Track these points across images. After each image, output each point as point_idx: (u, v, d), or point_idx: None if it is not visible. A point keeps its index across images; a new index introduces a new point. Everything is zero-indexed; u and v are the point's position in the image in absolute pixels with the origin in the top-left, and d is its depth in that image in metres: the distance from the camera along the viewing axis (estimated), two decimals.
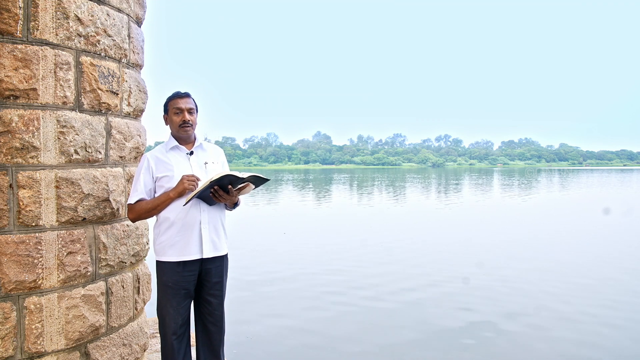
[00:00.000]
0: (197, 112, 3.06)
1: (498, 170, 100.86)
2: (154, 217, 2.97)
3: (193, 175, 2.84)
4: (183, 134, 2.97)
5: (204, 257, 2.88)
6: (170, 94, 3.05)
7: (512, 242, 12.38)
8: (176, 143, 2.98)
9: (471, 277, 8.59)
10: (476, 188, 37.77)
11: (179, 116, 2.95)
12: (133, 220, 2.94)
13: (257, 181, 2.86)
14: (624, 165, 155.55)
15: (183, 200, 2.82)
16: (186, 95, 3.00)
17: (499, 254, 10.81)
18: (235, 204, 2.98)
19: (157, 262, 2.93)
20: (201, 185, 2.76)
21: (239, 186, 2.84)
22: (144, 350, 3.51)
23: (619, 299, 7.30)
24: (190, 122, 2.96)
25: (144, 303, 3.53)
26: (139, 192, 2.86)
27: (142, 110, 3.51)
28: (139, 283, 3.41)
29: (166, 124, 3.05)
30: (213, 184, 2.72)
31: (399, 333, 5.89)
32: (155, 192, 2.91)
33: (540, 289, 7.85)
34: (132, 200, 2.87)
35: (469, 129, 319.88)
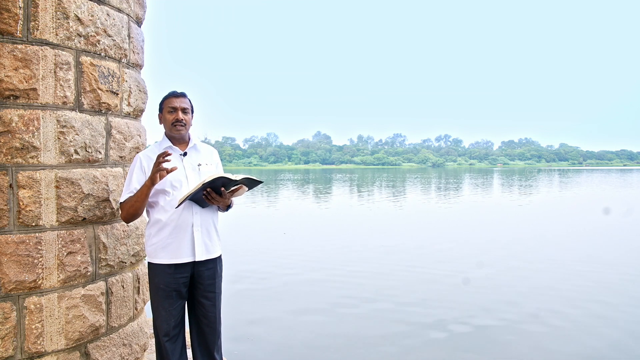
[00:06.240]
0: (192, 113, 3.03)
1: (498, 170, 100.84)
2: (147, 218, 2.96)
3: (166, 151, 2.70)
4: (176, 133, 2.93)
5: (197, 259, 2.86)
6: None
7: (513, 242, 12.38)
8: (170, 143, 2.95)
9: (471, 277, 8.59)
10: (476, 188, 37.77)
11: (173, 114, 2.92)
12: (124, 219, 2.90)
13: (250, 183, 2.83)
14: (624, 165, 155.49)
15: (175, 202, 2.80)
16: (182, 95, 2.98)
17: (499, 254, 10.81)
18: (228, 206, 2.94)
19: (149, 263, 2.91)
20: (194, 187, 2.73)
21: (232, 188, 2.81)
22: (144, 350, 3.51)
23: (620, 298, 7.30)
24: (184, 121, 2.92)
25: (144, 303, 3.52)
26: (130, 190, 2.84)
27: (142, 110, 3.50)
28: (139, 283, 3.41)
29: (160, 122, 3.02)
30: (205, 186, 2.69)
31: (400, 333, 5.88)
32: None
33: (540, 288, 7.85)
34: (122, 199, 2.85)
35: (469, 129, 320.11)
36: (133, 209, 2.82)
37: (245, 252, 10.76)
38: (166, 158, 2.68)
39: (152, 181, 2.74)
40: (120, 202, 2.87)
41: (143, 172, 2.87)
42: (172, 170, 2.73)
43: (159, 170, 2.70)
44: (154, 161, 2.85)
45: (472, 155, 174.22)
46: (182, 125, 2.93)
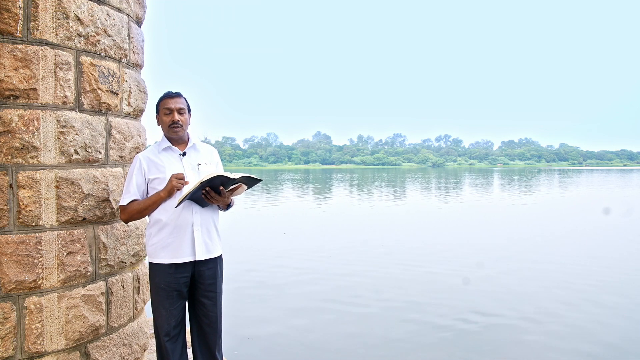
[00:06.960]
0: (189, 112, 3.03)
1: (498, 170, 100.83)
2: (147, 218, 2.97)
3: (181, 174, 2.82)
4: (173, 134, 2.94)
5: (197, 259, 2.86)
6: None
7: (512, 242, 12.37)
8: (169, 144, 2.96)
9: (471, 277, 8.58)
10: (476, 188, 37.77)
11: (169, 116, 2.92)
12: (125, 221, 2.93)
13: (250, 182, 2.82)
14: (624, 165, 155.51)
15: (175, 201, 2.79)
16: (177, 95, 2.97)
17: (499, 254, 10.81)
18: (228, 205, 2.94)
19: (150, 263, 2.92)
20: (192, 186, 2.72)
21: (231, 187, 2.80)
22: (144, 350, 3.51)
23: (620, 298, 7.30)
24: (180, 122, 2.93)
25: (144, 303, 3.52)
26: (131, 193, 2.85)
27: (142, 110, 3.51)
28: (139, 283, 3.41)
29: (158, 124, 3.03)
30: (204, 185, 2.68)
31: (400, 334, 5.88)
32: (147, 193, 2.89)
33: (540, 289, 7.85)
34: (124, 201, 2.86)
35: (469, 129, 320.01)
36: (139, 215, 2.86)
37: (246, 252, 10.76)
38: (180, 182, 2.80)
39: (169, 194, 2.79)
40: (122, 205, 2.87)
41: (142, 173, 2.88)
42: (185, 183, 2.82)
43: (177, 186, 2.78)
44: (157, 164, 2.89)
45: (472, 155, 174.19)
46: (179, 127, 2.93)
